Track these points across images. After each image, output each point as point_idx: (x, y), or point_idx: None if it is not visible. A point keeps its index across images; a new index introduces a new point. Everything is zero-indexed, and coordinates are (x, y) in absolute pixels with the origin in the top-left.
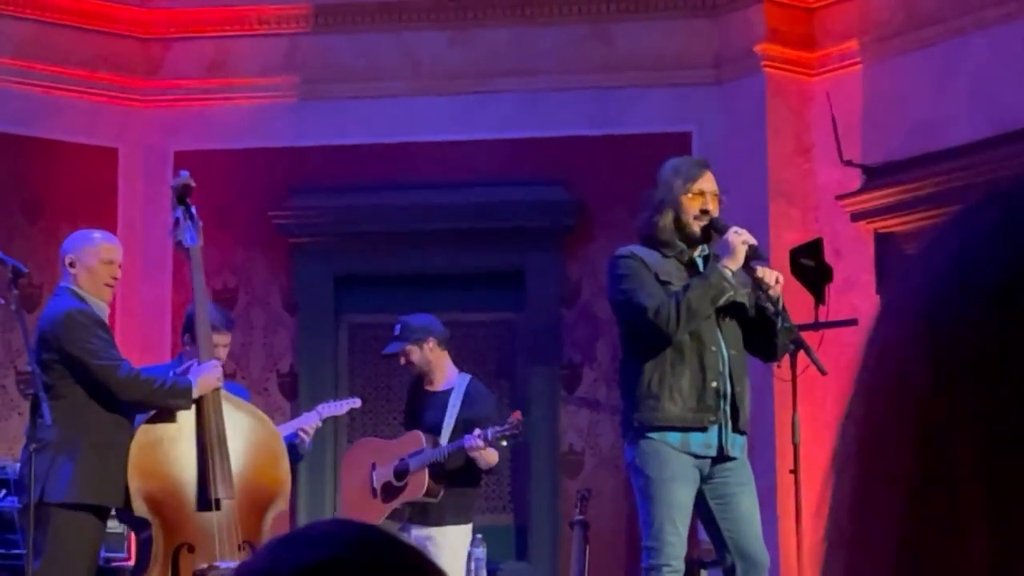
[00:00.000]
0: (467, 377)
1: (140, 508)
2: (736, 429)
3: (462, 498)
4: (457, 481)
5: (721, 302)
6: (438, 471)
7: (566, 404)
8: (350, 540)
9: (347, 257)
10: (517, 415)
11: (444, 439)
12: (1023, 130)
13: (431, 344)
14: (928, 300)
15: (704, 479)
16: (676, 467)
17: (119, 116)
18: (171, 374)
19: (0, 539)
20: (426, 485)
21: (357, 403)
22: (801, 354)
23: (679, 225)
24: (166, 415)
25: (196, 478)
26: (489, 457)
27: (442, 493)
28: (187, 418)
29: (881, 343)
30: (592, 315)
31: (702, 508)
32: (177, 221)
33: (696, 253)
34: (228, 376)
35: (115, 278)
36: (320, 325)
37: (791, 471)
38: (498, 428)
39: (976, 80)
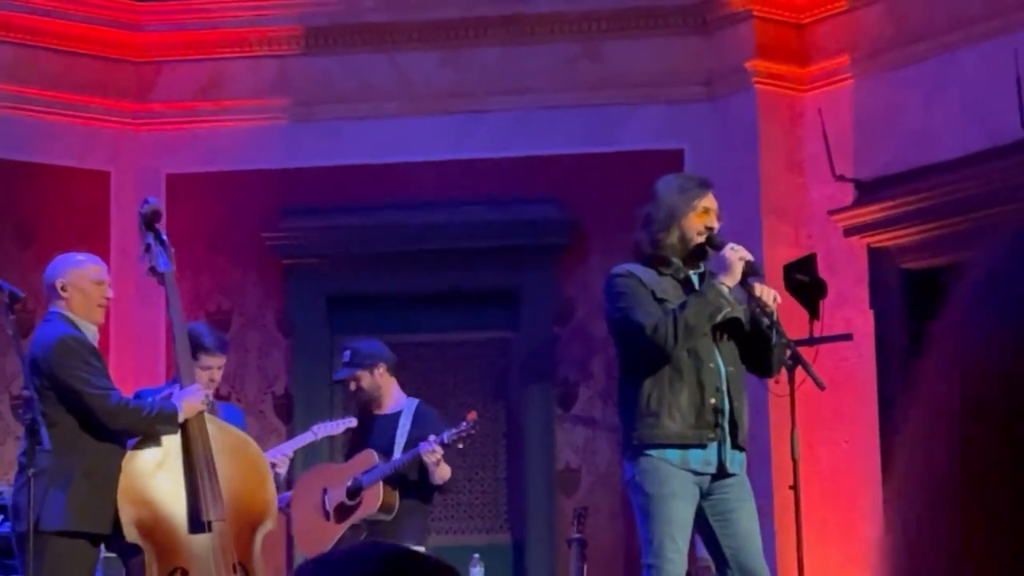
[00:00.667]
0: (415, 400)
1: (132, 534)
2: (735, 445)
3: (417, 515)
4: (411, 497)
5: (719, 319)
6: (393, 486)
7: (562, 422)
8: (381, 558)
9: (341, 278)
10: (472, 415)
11: (397, 455)
12: (1014, 143)
13: (381, 369)
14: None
15: (704, 496)
16: (676, 484)
17: (111, 140)
18: (154, 400)
19: (0, 565)
20: (381, 498)
21: (353, 422)
22: (798, 369)
23: (684, 243)
24: (152, 440)
25: (186, 501)
26: (442, 471)
27: (397, 509)
28: (173, 442)
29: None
30: (587, 333)
31: (702, 525)
32: (148, 247)
33: (692, 271)
34: (223, 398)
35: (107, 298)
36: (315, 346)
37: (790, 487)
38: (452, 430)
39: (966, 94)
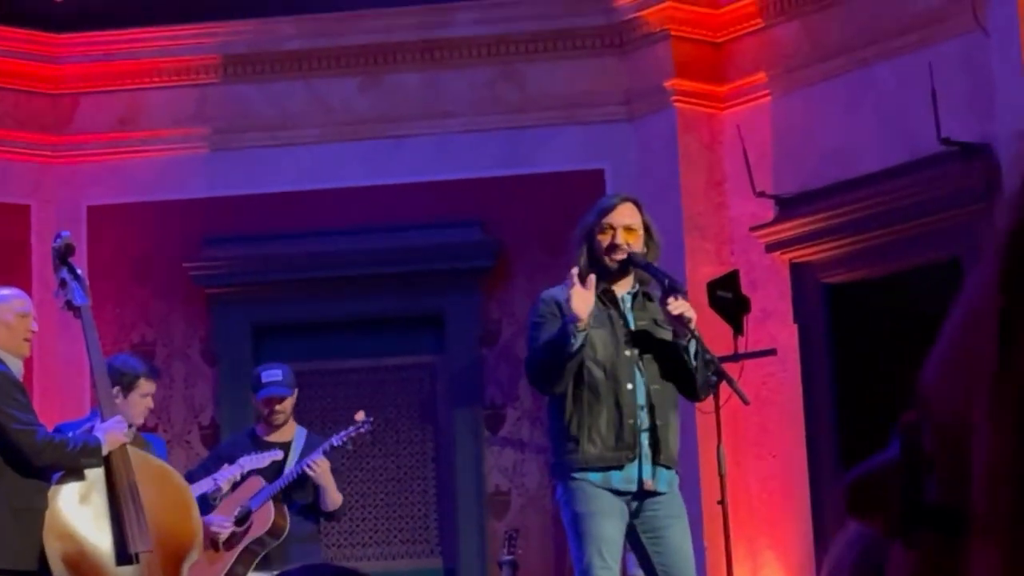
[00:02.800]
0: (304, 429)
1: (59, 569)
2: (658, 463)
3: (309, 542)
4: (303, 522)
5: (574, 345)
6: (284, 510)
7: (490, 444)
8: None
9: (265, 306)
10: (359, 415)
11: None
12: (932, 156)
13: (296, 395)
14: None
15: (634, 514)
16: (601, 502)
17: (30, 172)
18: (77, 433)
19: None
20: (272, 518)
21: (279, 455)
22: (723, 385)
23: (592, 260)
24: (76, 474)
25: (112, 534)
26: (333, 496)
27: (287, 532)
28: (96, 475)
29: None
30: (513, 355)
31: (635, 543)
32: (63, 282)
33: (623, 290)
34: (149, 429)
35: (32, 331)
36: (240, 375)
37: (718, 502)
38: (342, 433)
39: (884, 108)
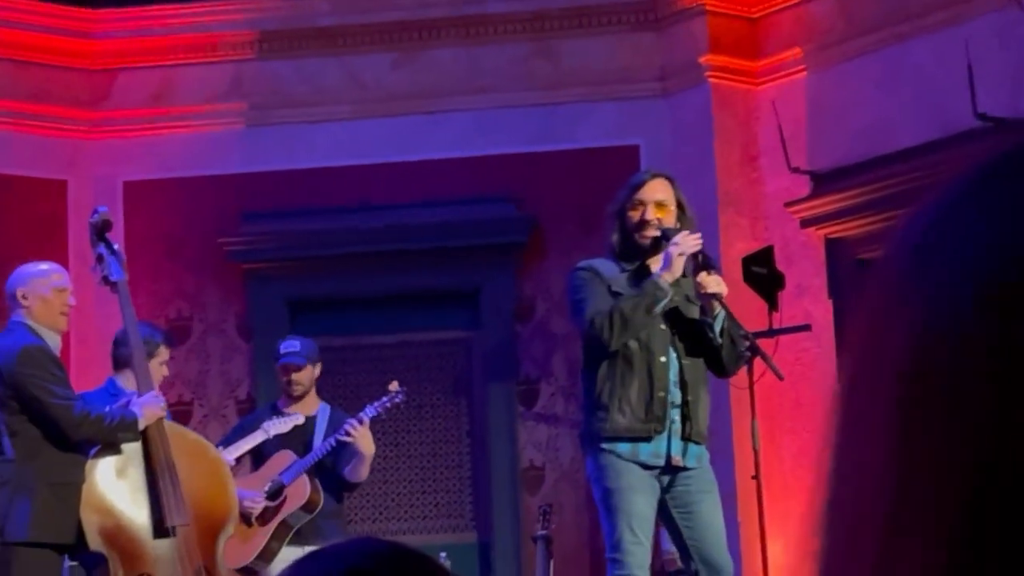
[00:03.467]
0: (328, 405)
1: (96, 543)
2: (687, 438)
3: (334, 516)
4: (328, 498)
5: (657, 311)
6: (315, 481)
7: (524, 420)
8: (374, 553)
9: (300, 281)
10: (393, 385)
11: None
12: (966, 132)
13: (318, 369)
14: (997, 255)
15: (665, 489)
16: (631, 478)
17: (67, 148)
18: (114, 408)
19: None
20: (308, 491)
21: (300, 419)
22: (757, 361)
23: (624, 235)
24: (113, 448)
25: (149, 508)
26: (366, 465)
27: (320, 505)
28: (134, 450)
29: (922, 310)
30: (547, 330)
31: (666, 518)
32: (100, 257)
33: (657, 266)
34: (186, 403)
35: (69, 306)
36: (275, 350)
37: (752, 477)
38: (376, 403)
39: (919, 84)
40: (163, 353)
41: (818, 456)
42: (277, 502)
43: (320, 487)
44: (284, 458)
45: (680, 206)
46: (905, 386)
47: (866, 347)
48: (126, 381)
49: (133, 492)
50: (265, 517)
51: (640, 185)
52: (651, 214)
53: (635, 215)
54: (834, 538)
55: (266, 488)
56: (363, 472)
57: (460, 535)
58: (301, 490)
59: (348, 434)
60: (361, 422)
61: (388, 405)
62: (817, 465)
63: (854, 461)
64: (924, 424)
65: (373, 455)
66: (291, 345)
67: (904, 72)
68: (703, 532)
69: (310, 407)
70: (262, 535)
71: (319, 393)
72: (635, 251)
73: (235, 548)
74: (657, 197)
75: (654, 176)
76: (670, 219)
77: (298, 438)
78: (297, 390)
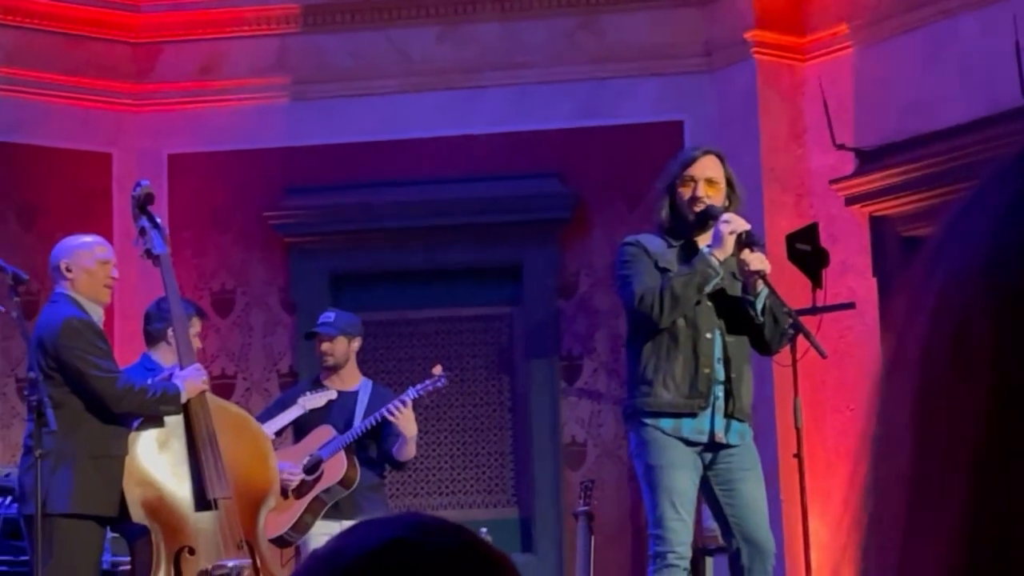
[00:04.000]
0: (369, 381)
1: (139, 515)
2: (731, 415)
3: (374, 492)
4: (368, 473)
5: (707, 289)
6: (352, 457)
7: (566, 396)
8: (417, 524)
9: (343, 255)
10: (437, 368)
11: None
12: (1014, 110)
13: (356, 343)
14: (989, 255)
15: (708, 466)
16: (673, 454)
17: (112, 121)
18: (156, 381)
19: (8, 546)
20: (345, 467)
21: (334, 395)
22: (800, 338)
23: (673, 211)
24: (156, 421)
25: (191, 480)
26: (410, 447)
27: (356, 482)
28: (176, 423)
29: (934, 302)
30: (590, 306)
31: (708, 495)
32: (143, 230)
33: (704, 243)
34: (228, 376)
35: (113, 278)
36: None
37: (794, 455)
38: (419, 386)
39: (966, 61)
40: (196, 325)
41: (860, 436)
42: (314, 476)
43: (357, 463)
44: (324, 433)
45: (729, 183)
46: (921, 373)
47: (899, 332)
48: (161, 356)
49: (175, 465)
50: (301, 490)
51: (691, 162)
52: (702, 191)
53: (686, 192)
54: (869, 517)
55: (304, 461)
56: (410, 451)
57: (501, 510)
58: (338, 466)
59: (392, 414)
60: (404, 404)
61: (430, 388)
62: (859, 444)
63: (886, 445)
64: (934, 412)
65: (416, 435)
66: (325, 317)
67: (951, 49)
68: (745, 510)
69: (350, 382)
70: (297, 507)
71: (361, 368)
72: (683, 227)
73: (270, 518)
74: (708, 174)
75: (706, 153)
76: (720, 196)
77: (340, 414)
78: (328, 361)
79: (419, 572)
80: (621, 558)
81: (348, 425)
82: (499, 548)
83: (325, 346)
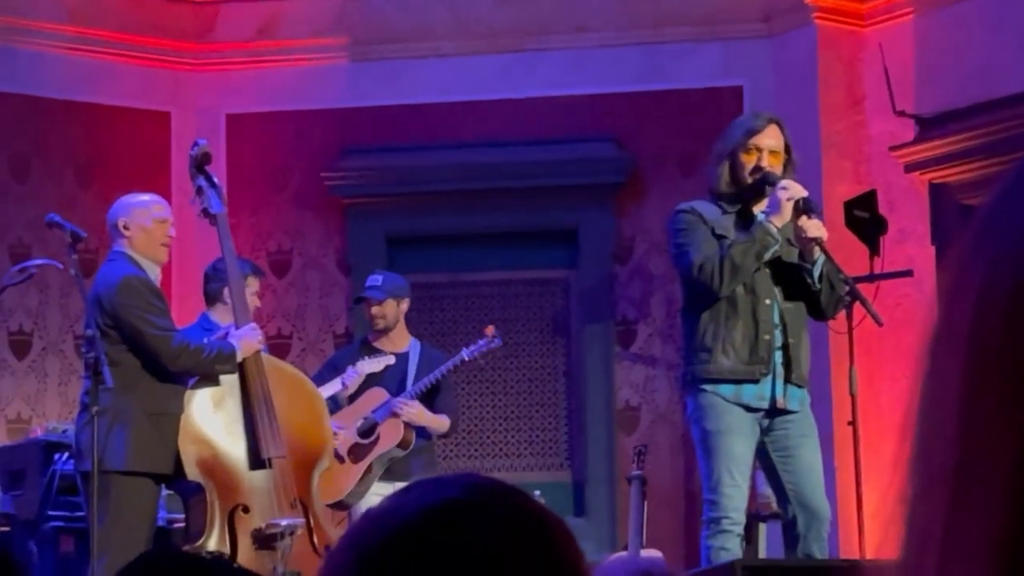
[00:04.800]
0: (418, 341)
1: (193, 473)
2: (790, 381)
3: (424, 452)
4: (418, 435)
5: (767, 257)
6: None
7: (621, 360)
8: (472, 486)
9: (400, 217)
10: (489, 329)
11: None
12: None
13: (405, 305)
14: None
15: (765, 432)
16: (732, 420)
17: (171, 80)
18: (212, 340)
19: (64, 502)
20: (402, 430)
21: (392, 360)
22: (857, 306)
23: (734, 179)
24: (211, 380)
25: (246, 439)
26: (435, 428)
27: (413, 443)
28: (231, 381)
29: (981, 280)
30: (646, 271)
31: (764, 461)
32: (200, 189)
33: (759, 210)
34: (284, 336)
35: (170, 237)
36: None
37: (849, 423)
38: (472, 347)
39: None
40: (253, 284)
41: (906, 408)
42: (370, 440)
43: (411, 426)
44: (377, 395)
45: (787, 149)
46: (968, 349)
47: (946, 306)
48: (219, 316)
49: (230, 424)
50: (358, 454)
51: (757, 131)
52: (766, 161)
53: (749, 161)
54: (915, 489)
55: (358, 425)
56: (434, 431)
57: (554, 474)
58: (395, 429)
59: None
60: (456, 366)
61: (484, 349)
62: (905, 416)
63: (931, 418)
64: (982, 388)
65: (447, 427)
66: (374, 280)
67: (1014, 14)
68: (802, 476)
69: (399, 343)
70: (356, 472)
71: (412, 329)
72: (741, 195)
73: (328, 484)
74: (772, 144)
75: (769, 122)
76: (779, 166)
77: (392, 375)
78: (378, 324)
79: (473, 533)
80: (674, 523)
81: (401, 386)
82: (553, 511)
83: (375, 310)
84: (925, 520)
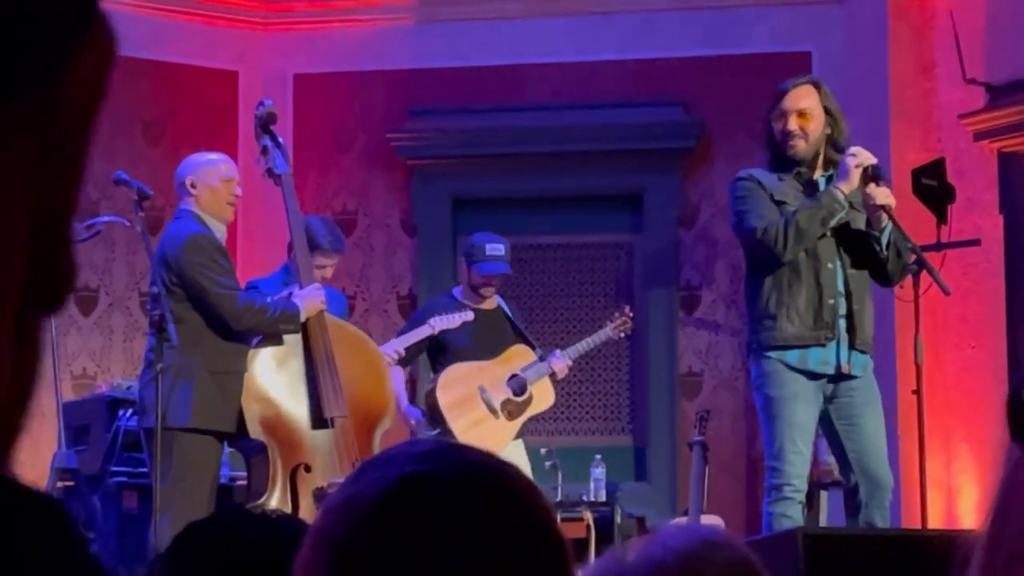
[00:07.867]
0: (499, 297)
1: (256, 431)
2: (854, 346)
3: None
4: None
5: (832, 223)
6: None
7: (684, 326)
8: (420, 455)
9: (465, 179)
10: (627, 312)
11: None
12: None
13: None
14: None
15: (829, 399)
16: (796, 386)
17: (238, 39)
18: (276, 299)
19: (127, 458)
20: (553, 394)
21: (470, 316)
22: (923, 274)
23: (773, 145)
24: (274, 339)
25: (308, 399)
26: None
27: None
28: (294, 341)
29: None
30: (711, 236)
31: (827, 428)
32: (265, 149)
33: (818, 174)
34: (349, 298)
35: (236, 196)
36: (439, 247)
37: (913, 391)
38: (615, 325)
39: None
40: (316, 258)
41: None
42: (522, 398)
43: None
44: (522, 353)
45: (829, 111)
46: None
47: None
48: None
49: (293, 383)
50: (512, 411)
51: (783, 94)
52: (793, 124)
53: (778, 126)
54: None
55: (507, 380)
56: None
57: (616, 438)
58: (548, 391)
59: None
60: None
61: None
62: None
63: None
64: None
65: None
66: (497, 249)
67: None
68: (866, 444)
69: (490, 300)
70: (512, 428)
71: None
72: (785, 160)
73: (481, 440)
74: (799, 106)
75: (797, 84)
76: (815, 127)
77: (496, 330)
78: (489, 292)
79: (436, 504)
80: (735, 489)
81: (506, 336)
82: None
83: (497, 280)
84: None
